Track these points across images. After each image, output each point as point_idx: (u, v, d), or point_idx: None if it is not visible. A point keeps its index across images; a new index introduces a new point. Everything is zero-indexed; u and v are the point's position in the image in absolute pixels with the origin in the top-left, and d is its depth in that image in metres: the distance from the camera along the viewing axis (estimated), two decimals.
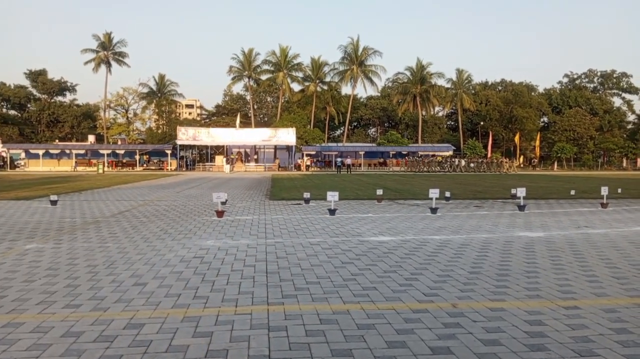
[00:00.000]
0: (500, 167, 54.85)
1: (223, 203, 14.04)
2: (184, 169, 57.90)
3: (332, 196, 12.65)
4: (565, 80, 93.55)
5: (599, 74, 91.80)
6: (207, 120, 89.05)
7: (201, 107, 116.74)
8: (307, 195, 15.82)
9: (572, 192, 19.49)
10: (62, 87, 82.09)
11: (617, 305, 5.13)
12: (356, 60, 71.22)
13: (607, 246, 8.32)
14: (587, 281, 6.06)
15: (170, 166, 59.15)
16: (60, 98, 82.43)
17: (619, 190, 20.32)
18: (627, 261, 7.20)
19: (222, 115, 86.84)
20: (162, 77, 79.24)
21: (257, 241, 8.71)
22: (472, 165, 53.92)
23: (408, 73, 76.69)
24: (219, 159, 57.64)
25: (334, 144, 72.62)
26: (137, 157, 61.00)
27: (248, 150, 65.68)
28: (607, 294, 5.51)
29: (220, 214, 11.99)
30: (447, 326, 4.54)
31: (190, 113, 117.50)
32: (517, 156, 75.12)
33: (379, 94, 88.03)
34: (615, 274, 6.43)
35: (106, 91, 76.06)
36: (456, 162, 54.32)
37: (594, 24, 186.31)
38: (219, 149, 64.61)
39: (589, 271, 6.56)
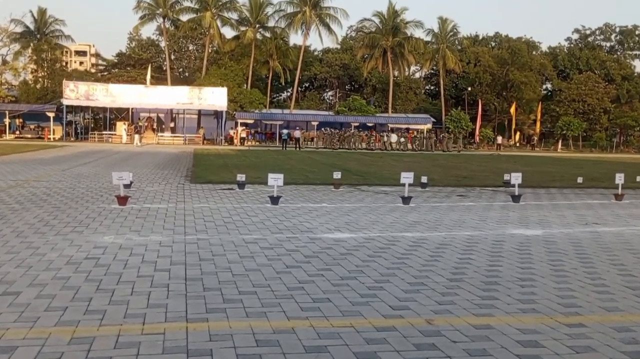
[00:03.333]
0: (441, 145, 57.86)
1: (127, 186, 13.78)
2: (72, 139, 56.36)
3: (275, 179, 12.66)
4: (575, 37, 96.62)
5: (617, 30, 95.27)
6: (106, 73, 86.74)
7: (97, 55, 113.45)
8: (241, 177, 15.76)
9: (580, 179, 20.28)
10: None
11: (632, 323, 5.40)
12: (309, 1, 70.97)
13: (621, 249, 8.73)
14: (595, 292, 6.34)
15: (54, 134, 57.40)
16: None
17: (638, 178, 21.19)
18: None
19: (127, 67, 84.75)
20: (42, 12, 76.30)
21: (173, 237, 8.63)
22: (402, 140, 57.25)
23: (377, 20, 77.18)
24: (122, 127, 56.42)
25: (279, 111, 72.43)
26: (7, 121, 58.78)
27: (162, 115, 64.51)
28: (620, 309, 5.79)
29: (122, 200, 11.79)
30: (420, 348, 4.66)
31: (82, 63, 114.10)
32: (513, 131, 77.35)
33: (338, 47, 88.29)
34: (630, 283, 6.76)
35: None
36: (385, 138, 57.32)
37: None
38: (121, 114, 63.18)
39: (597, 280, 6.87)
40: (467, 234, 9.54)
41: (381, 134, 59.07)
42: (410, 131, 64.17)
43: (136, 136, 50.29)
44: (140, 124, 58.18)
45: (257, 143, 62.25)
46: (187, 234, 8.94)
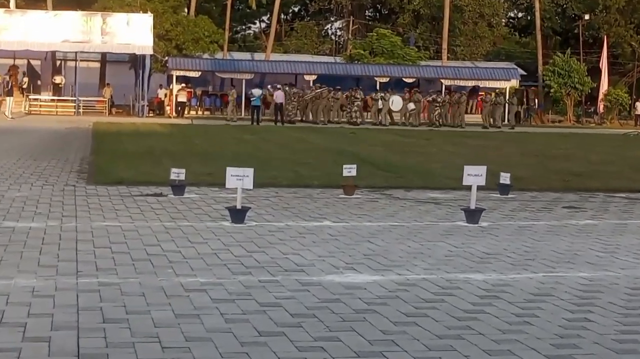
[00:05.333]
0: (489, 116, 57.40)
1: None
2: None
3: (239, 178, 12.58)
4: None
5: None
6: None
7: None
8: (178, 174, 15.69)
9: None
10: None
11: None
12: None
13: None
14: None
15: None
16: None
17: None
18: None
19: None
20: None
21: (55, 281, 8.56)
22: (411, 107, 55.98)
23: None
24: None
25: (246, 57, 72.27)
26: None
27: (37, 64, 64.11)
28: None
29: None
30: None
31: None
32: None
33: None
34: None
35: None
36: (379, 103, 55.72)
37: None
38: None
39: None
40: (581, 277, 9.47)
41: (374, 95, 57.48)
42: (480, 92, 64.09)
43: (8, 100, 49.62)
44: None
45: (207, 113, 61.99)
46: (81, 275, 8.85)
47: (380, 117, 55.33)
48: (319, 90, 56.55)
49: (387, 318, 7.53)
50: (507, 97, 59.84)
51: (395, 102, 56.17)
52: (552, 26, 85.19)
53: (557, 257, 10.67)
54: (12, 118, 46.99)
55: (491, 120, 57.02)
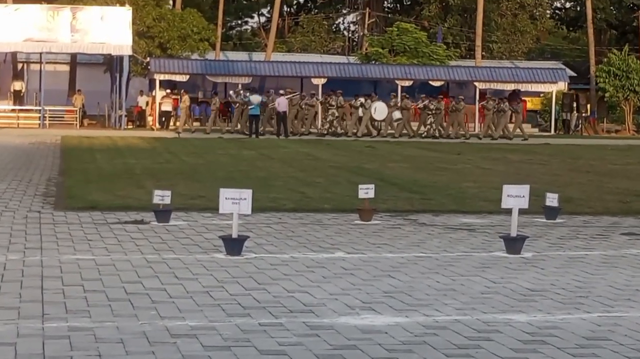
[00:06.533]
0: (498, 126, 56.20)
1: None
2: None
3: (235, 202, 12.58)
4: None
5: None
6: None
7: None
8: (162, 197, 15.68)
9: None
10: None
11: None
12: None
13: None
14: None
15: None
16: None
17: None
18: None
19: None
20: None
21: (17, 325, 8.52)
22: (397, 116, 54.97)
23: None
24: None
25: (243, 57, 72.34)
26: None
27: None
28: None
29: None
30: None
31: None
32: None
33: None
34: None
35: None
36: (359, 111, 54.64)
37: None
38: None
39: None
40: None
41: (353, 102, 56.54)
42: (523, 98, 63.90)
43: None
44: None
45: (197, 124, 61.87)
46: (47, 318, 8.82)
47: (356, 128, 54.74)
48: (289, 96, 55.80)
49: None
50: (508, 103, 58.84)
51: (379, 110, 55.10)
52: (606, 18, 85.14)
53: (615, 294, 10.61)
54: None
55: (496, 129, 55.88)
